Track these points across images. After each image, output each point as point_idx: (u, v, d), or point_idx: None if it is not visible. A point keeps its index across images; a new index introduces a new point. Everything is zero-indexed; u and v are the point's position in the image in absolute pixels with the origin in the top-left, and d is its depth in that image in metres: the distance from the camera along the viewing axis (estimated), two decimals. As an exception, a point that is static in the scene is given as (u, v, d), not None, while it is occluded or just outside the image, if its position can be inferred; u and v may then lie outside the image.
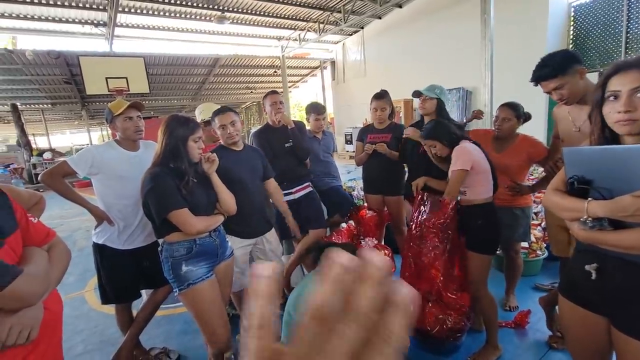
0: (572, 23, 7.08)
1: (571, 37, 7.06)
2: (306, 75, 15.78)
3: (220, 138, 2.07)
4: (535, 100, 6.52)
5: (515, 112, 2.13)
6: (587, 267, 1.05)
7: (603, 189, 0.95)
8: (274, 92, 2.56)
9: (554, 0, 6.82)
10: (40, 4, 7.32)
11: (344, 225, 2.84)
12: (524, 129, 2.22)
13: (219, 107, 2.20)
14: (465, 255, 1.93)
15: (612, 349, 1.10)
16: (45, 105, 12.43)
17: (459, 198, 1.93)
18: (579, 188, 0.99)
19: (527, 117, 2.19)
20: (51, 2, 7.34)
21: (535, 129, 5.26)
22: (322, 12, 9.72)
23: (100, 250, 1.90)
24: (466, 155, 1.83)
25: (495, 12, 5.66)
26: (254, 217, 2.10)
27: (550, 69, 1.58)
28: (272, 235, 2.24)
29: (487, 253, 1.87)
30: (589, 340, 1.13)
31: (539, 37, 6.78)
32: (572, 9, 7.03)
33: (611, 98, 0.97)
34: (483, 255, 1.86)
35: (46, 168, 8.71)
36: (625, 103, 0.93)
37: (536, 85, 1.70)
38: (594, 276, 1.03)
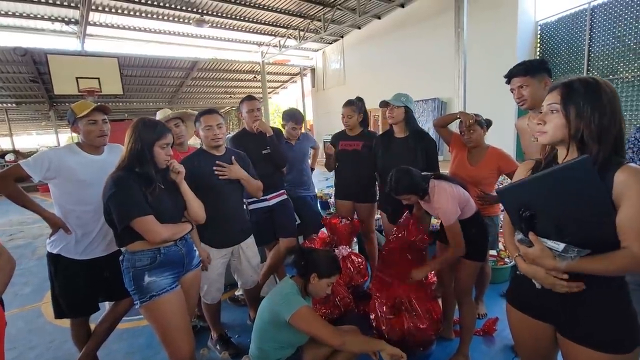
0: (539, 40, 7.47)
1: (538, 53, 7.44)
2: (286, 81, 15.78)
3: (204, 140, 2.01)
4: (504, 112, 6.80)
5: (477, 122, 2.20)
6: (537, 283, 1.07)
7: (546, 220, 0.98)
8: (251, 99, 2.49)
9: (523, 18, 7.18)
10: (5, -2, 6.97)
11: (315, 234, 2.81)
12: (494, 142, 2.28)
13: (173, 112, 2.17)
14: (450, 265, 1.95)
15: (557, 352, 1.16)
16: (9, 105, 11.77)
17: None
18: (532, 223, 1.00)
19: (488, 124, 2.26)
20: (18, -3, 7.01)
21: (505, 141, 5.47)
22: (302, 19, 9.79)
23: (55, 261, 1.78)
24: (451, 204, 1.76)
25: (468, 27, 5.88)
26: (230, 226, 2.05)
27: (524, 67, 1.75)
28: (249, 244, 2.18)
29: (479, 260, 1.90)
30: (537, 346, 1.18)
31: (509, 52, 7.10)
32: (539, 27, 7.43)
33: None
34: (474, 262, 1.88)
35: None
36: (539, 117, 1.06)
37: (508, 82, 1.83)
38: (538, 286, 1.07)
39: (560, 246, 0.94)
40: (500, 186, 1.07)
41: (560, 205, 0.96)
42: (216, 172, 1.97)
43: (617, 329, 0.99)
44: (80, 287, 1.80)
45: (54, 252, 1.77)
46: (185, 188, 1.67)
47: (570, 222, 0.95)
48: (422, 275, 1.92)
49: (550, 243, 0.96)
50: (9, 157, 11.10)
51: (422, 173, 1.89)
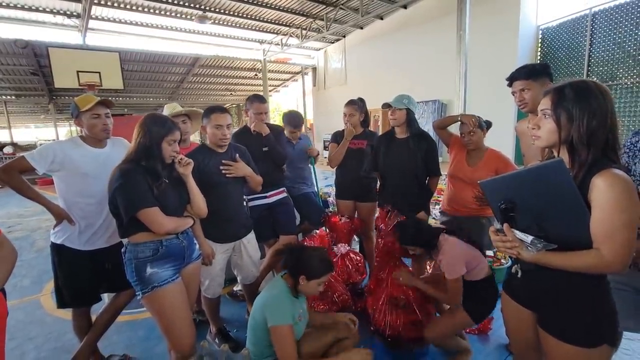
0: (540, 44, 7.51)
1: (539, 57, 7.49)
2: (287, 80, 15.80)
3: (211, 137, 2.00)
4: (504, 114, 6.84)
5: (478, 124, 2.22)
6: (513, 268, 1.19)
7: (526, 215, 1.03)
8: (262, 101, 2.48)
9: (524, 23, 7.23)
10: (7, -10, 6.96)
11: (316, 231, 2.83)
12: (493, 144, 2.31)
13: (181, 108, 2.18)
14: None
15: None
16: (8, 97, 11.75)
17: None
18: (508, 215, 1.06)
19: (488, 125, 2.29)
20: (20, -11, 7.01)
21: (504, 144, 5.50)
22: (304, 18, 9.80)
23: (58, 251, 1.80)
24: (457, 260, 1.75)
25: (470, 29, 5.91)
26: (232, 221, 2.07)
27: (526, 71, 1.78)
28: (250, 239, 2.20)
29: (473, 319, 1.82)
30: (521, 333, 1.24)
31: (509, 56, 7.15)
32: (540, 32, 7.47)
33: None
34: (467, 317, 1.80)
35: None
36: (533, 121, 1.09)
37: (510, 85, 1.85)
38: (519, 275, 1.16)
39: (529, 238, 1.00)
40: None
41: (537, 202, 1.01)
42: (223, 171, 1.99)
43: (587, 324, 1.03)
44: (83, 277, 1.82)
45: (58, 242, 1.79)
46: (191, 181, 1.69)
47: (548, 219, 1.01)
48: (406, 282, 1.97)
49: (520, 235, 1.02)
50: (7, 150, 11.09)
51: (432, 227, 1.90)
